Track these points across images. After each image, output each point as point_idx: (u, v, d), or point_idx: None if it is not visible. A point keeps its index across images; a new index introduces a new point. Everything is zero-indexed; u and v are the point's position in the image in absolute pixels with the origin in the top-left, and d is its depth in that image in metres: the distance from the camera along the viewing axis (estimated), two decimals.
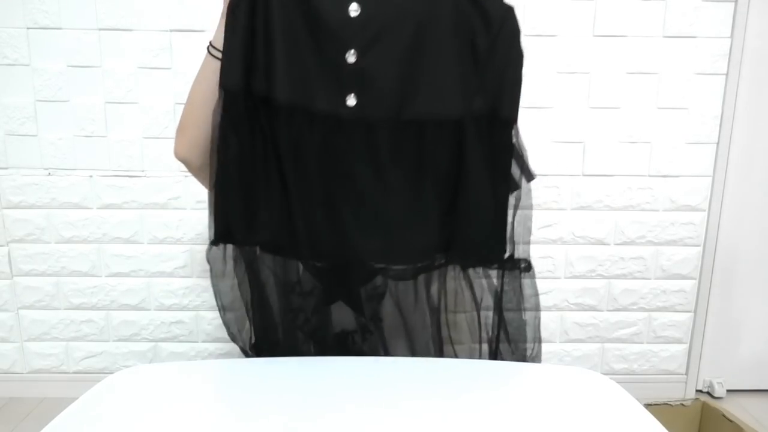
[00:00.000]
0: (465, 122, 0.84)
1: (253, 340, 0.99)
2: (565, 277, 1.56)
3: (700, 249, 1.55)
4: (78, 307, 1.56)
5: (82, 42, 1.39)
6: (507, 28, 0.87)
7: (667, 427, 0.64)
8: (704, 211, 1.53)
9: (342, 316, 1.03)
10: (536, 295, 0.95)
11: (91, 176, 1.47)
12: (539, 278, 1.55)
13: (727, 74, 1.45)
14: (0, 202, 1.49)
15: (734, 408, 1.39)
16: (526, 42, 1.47)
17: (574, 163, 1.49)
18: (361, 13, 0.80)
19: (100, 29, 1.39)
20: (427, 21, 0.83)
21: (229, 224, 0.89)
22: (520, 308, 1.00)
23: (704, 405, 1.32)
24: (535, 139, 1.47)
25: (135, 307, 1.56)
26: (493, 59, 0.85)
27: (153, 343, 1.59)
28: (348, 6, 0.80)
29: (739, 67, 1.44)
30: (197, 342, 1.58)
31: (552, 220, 1.52)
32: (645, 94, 1.45)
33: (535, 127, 1.46)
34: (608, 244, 1.54)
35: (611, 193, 1.51)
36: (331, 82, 0.82)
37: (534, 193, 1.49)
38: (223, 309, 0.98)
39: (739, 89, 1.45)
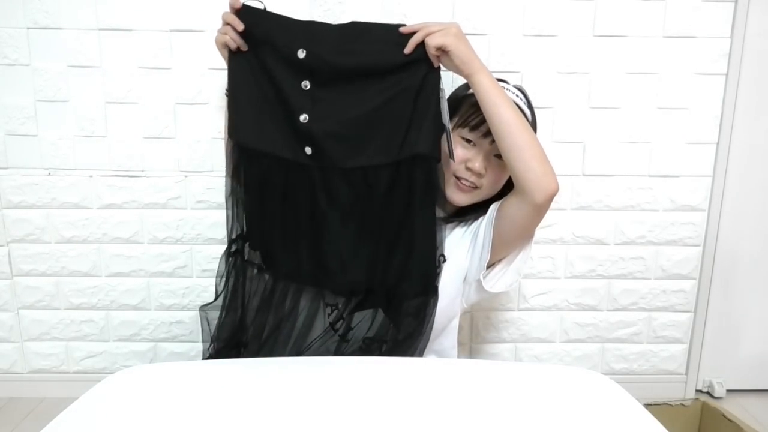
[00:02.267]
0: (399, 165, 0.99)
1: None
2: (565, 277, 1.56)
3: (700, 249, 1.55)
4: (78, 307, 1.56)
5: (82, 42, 1.39)
6: (428, 82, 0.98)
7: (667, 427, 0.64)
8: (704, 211, 1.53)
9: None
10: None
11: (91, 176, 1.47)
12: (539, 278, 1.55)
13: (727, 74, 1.45)
14: (0, 202, 1.49)
15: (734, 408, 1.39)
16: (526, 42, 1.48)
17: (574, 163, 1.49)
18: (310, 88, 0.98)
19: (100, 29, 1.39)
20: (367, 91, 0.98)
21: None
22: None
23: (704, 405, 1.32)
24: None
25: (135, 307, 1.56)
26: (417, 110, 0.98)
27: (153, 343, 1.59)
28: (300, 82, 0.98)
29: (739, 67, 1.44)
30: (197, 342, 1.58)
31: (552, 220, 1.52)
32: (645, 94, 1.45)
33: None
34: (608, 244, 1.54)
35: (611, 193, 1.51)
36: (291, 135, 1.01)
37: None
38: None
39: (739, 89, 1.45)
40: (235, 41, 0.98)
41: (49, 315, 1.56)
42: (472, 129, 1.04)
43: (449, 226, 1.11)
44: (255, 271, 1.08)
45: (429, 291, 1.03)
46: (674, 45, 1.42)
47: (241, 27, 0.97)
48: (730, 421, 1.22)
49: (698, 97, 1.46)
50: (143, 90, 1.42)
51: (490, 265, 1.08)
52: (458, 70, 0.97)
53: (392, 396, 0.73)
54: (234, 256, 1.08)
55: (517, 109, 0.98)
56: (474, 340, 1.61)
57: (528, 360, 1.62)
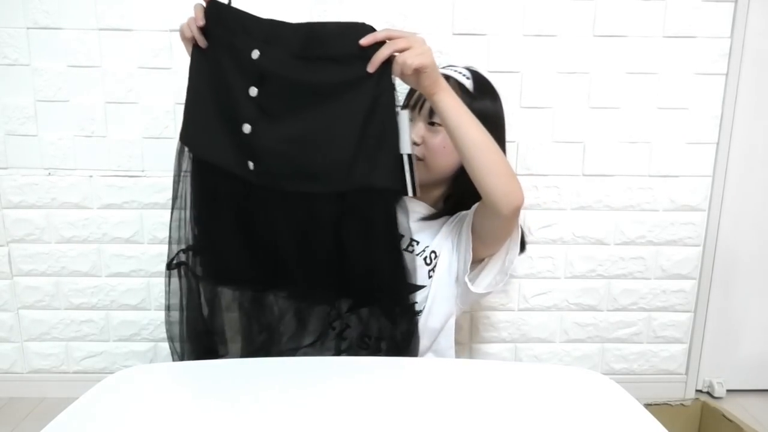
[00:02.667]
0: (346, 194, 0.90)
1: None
2: (565, 277, 1.56)
3: (700, 249, 1.55)
4: (78, 307, 1.56)
5: (82, 42, 1.39)
6: (384, 104, 0.88)
7: (667, 427, 0.64)
8: (704, 211, 1.53)
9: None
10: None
11: (91, 176, 1.47)
12: (539, 278, 1.55)
13: (727, 74, 1.45)
14: (0, 202, 1.49)
15: (734, 408, 1.39)
16: (526, 42, 1.47)
17: (574, 163, 1.49)
18: (258, 95, 0.88)
19: (100, 29, 1.39)
20: (318, 108, 0.89)
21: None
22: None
23: (704, 405, 1.32)
24: (535, 139, 1.47)
25: (135, 307, 1.56)
26: (375, 136, 0.89)
27: (153, 343, 1.59)
28: (248, 88, 0.89)
29: (739, 67, 1.44)
30: None
31: (552, 220, 1.52)
32: (645, 94, 1.45)
33: (535, 127, 1.46)
34: (608, 244, 1.54)
35: (611, 193, 1.51)
36: (236, 146, 0.92)
37: (534, 193, 1.50)
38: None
39: (739, 89, 1.45)
40: (192, 31, 0.90)
41: (49, 315, 1.56)
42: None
43: (438, 222, 1.11)
44: (224, 288, 1.02)
45: (408, 311, 1.00)
46: (674, 45, 1.42)
47: (201, 23, 0.89)
48: (730, 421, 1.22)
49: (698, 97, 1.46)
50: (143, 90, 1.43)
51: (478, 266, 1.08)
52: (424, 89, 0.88)
53: (391, 396, 0.73)
54: (177, 270, 1.00)
55: (483, 127, 0.93)
56: (473, 339, 1.61)
57: (528, 360, 1.62)
